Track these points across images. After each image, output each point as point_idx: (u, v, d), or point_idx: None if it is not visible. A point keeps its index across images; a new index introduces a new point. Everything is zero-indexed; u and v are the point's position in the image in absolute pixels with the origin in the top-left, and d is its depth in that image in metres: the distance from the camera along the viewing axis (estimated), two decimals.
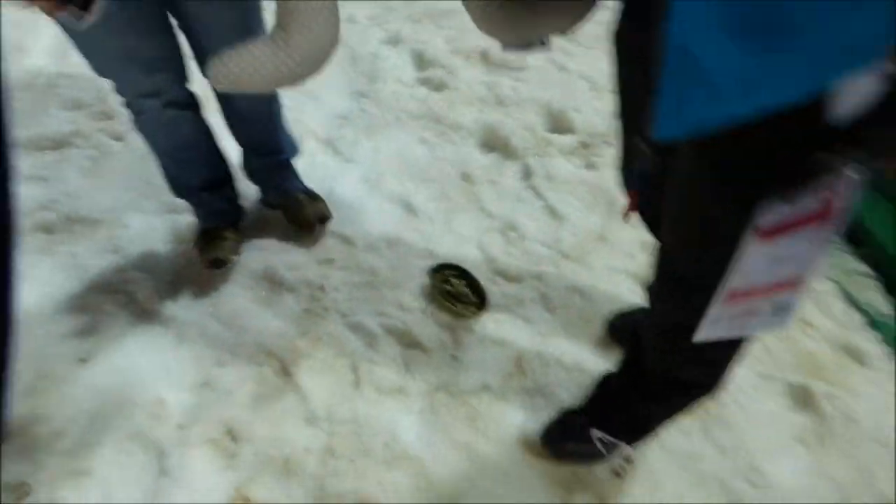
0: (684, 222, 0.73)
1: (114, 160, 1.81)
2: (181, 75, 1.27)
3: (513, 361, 1.38)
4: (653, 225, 1.03)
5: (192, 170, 1.42)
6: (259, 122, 1.44)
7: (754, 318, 0.70)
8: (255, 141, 1.50)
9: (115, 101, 1.98)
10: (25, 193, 1.70)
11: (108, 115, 1.96)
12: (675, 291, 0.81)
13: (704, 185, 0.66)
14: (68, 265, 1.52)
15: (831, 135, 0.52)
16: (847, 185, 0.55)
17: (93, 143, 1.85)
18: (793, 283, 0.65)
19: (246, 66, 0.62)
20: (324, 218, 1.60)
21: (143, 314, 1.43)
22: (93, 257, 1.54)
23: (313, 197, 1.62)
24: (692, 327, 0.74)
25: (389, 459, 1.21)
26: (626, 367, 1.07)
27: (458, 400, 1.31)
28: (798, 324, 1.49)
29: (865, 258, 1.65)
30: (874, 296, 1.56)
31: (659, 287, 0.86)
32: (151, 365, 1.34)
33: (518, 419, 1.29)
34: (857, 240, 1.68)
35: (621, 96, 0.87)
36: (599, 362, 1.37)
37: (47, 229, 1.61)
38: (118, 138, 1.89)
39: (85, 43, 1.10)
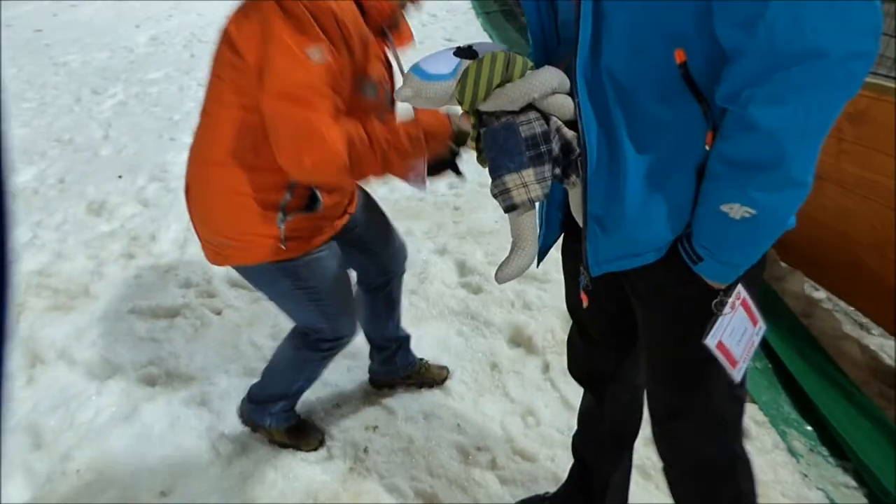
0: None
1: (212, 329, 2.25)
2: None
3: None
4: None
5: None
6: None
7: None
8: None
9: (219, 283, 2.51)
10: (138, 350, 2.12)
11: (211, 294, 2.46)
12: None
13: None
14: (164, 412, 1.86)
15: None
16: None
17: (197, 315, 2.32)
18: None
19: (512, 267, 0.99)
20: (446, 373, 2.07)
21: (220, 455, 1.72)
22: (184, 407, 1.88)
23: (424, 362, 2.07)
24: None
25: None
26: None
27: None
28: None
29: (853, 472, 1.81)
30: None
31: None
32: (218, 496, 1.59)
33: None
34: (845, 455, 1.86)
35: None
36: None
37: (151, 381, 1.98)
38: (217, 312, 2.35)
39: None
